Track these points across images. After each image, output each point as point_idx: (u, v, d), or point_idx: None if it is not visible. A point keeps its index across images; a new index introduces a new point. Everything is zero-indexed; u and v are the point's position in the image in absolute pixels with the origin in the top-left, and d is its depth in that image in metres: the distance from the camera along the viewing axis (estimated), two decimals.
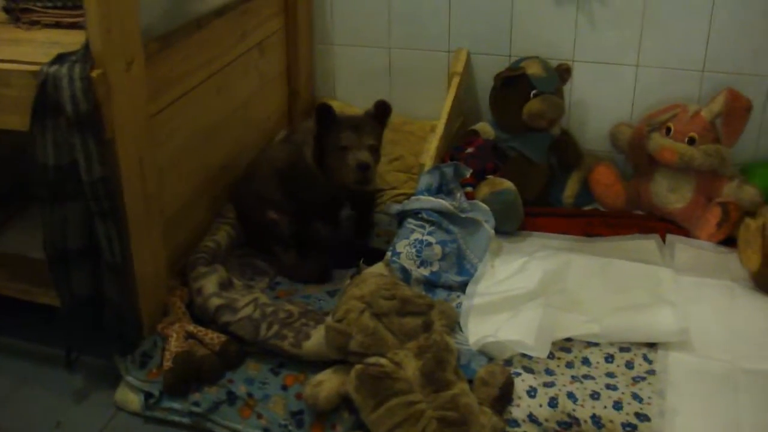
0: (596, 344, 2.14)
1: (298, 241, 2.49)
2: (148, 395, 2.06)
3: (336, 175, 2.34)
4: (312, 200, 2.44)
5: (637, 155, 2.74)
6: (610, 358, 2.10)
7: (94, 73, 1.89)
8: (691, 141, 2.60)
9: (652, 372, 2.04)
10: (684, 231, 2.62)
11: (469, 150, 2.72)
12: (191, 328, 2.15)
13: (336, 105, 3.12)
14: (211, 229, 2.48)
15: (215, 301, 2.19)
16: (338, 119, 2.34)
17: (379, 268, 2.18)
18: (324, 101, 2.36)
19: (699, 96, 2.76)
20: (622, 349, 2.12)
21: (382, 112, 2.40)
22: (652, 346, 2.12)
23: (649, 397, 1.97)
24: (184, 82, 2.28)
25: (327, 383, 1.94)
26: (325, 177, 2.38)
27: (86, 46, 1.90)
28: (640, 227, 2.63)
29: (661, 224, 2.65)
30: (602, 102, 2.89)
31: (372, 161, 2.32)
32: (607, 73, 2.85)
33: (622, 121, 2.86)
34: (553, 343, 2.12)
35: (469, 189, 2.60)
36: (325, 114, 2.33)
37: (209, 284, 2.24)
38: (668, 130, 2.65)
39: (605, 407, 1.94)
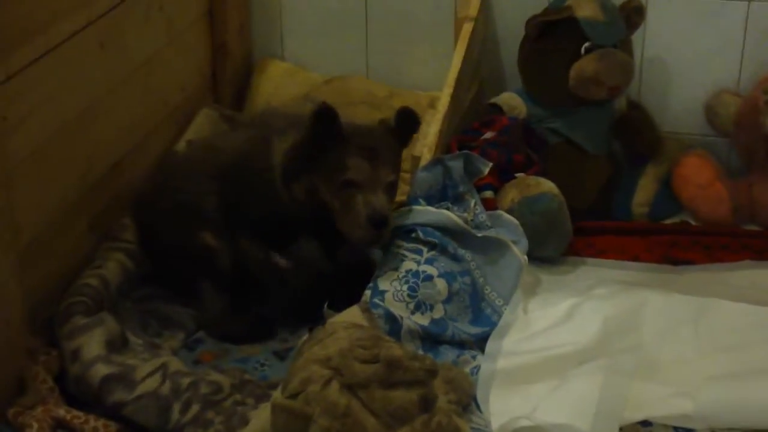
0: (689, 431, 2.13)
1: (238, 278, 2.51)
2: None
3: (333, 217, 2.35)
4: (258, 219, 2.46)
5: (748, 139, 2.76)
6: None
7: None
8: None
9: None
10: None
11: (489, 134, 2.72)
12: (62, 413, 2.13)
13: (283, 68, 3.15)
14: (96, 259, 2.47)
15: (101, 370, 2.18)
16: (346, 133, 2.34)
17: (352, 315, 2.17)
18: (326, 103, 2.35)
19: None
20: None
21: (406, 126, 2.41)
22: None
23: None
24: (49, 32, 2.27)
25: None
26: (289, 194, 2.39)
27: None
28: (754, 250, 2.65)
29: None
30: (693, 58, 2.91)
31: (390, 213, 2.35)
32: (701, 13, 2.87)
33: (725, 87, 2.88)
34: (622, 429, 2.12)
35: (488, 193, 2.61)
36: (327, 122, 2.32)
37: (92, 343, 2.23)
38: None
39: None
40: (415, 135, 2.46)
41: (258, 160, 2.44)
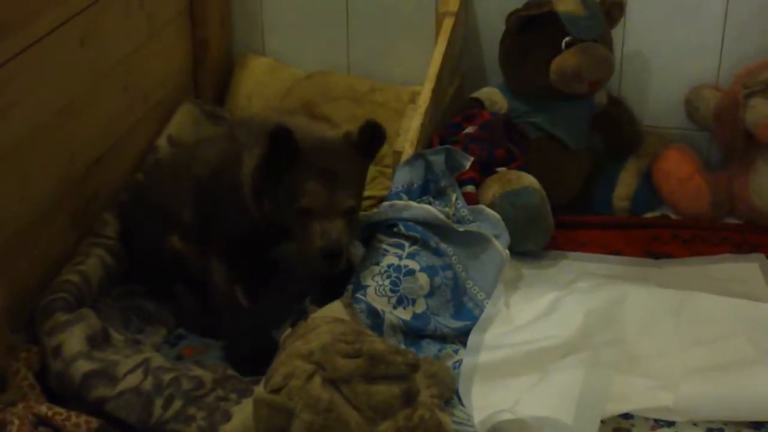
0: (670, 423, 2.15)
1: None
2: None
3: (282, 234, 2.33)
4: (230, 238, 2.44)
5: (728, 133, 2.76)
6: None
7: None
8: None
9: None
10: None
11: (470, 129, 2.72)
12: (44, 409, 2.11)
13: (265, 63, 3.14)
14: (77, 255, 2.47)
15: (83, 366, 2.17)
16: (304, 154, 2.28)
17: (335, 309, 2.18)
18: (281, 124, 2.29)
19: None
20: None
21: (370, 140, 2.36)
22: (759, 427, 2.13)
23: None
24: (28, 29, 2.26)
25: None
26: (260, 210, 2.37)
27: None
28: (733, 243, 2.66)
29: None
30: (673, 53, 2.91)
31: (347, 239, 2.30)
32: (680, 8, 2.87)
33: (705, 81, 2.88)
34: (604, 422, 2.12)
35: (470, 188, 2.61)
36: (281, 143, 2.27)
37: (73, 340, 2.22)
38: None
39: None
40: (380, 149, 2.39)
41: (228, 176, 2.42)
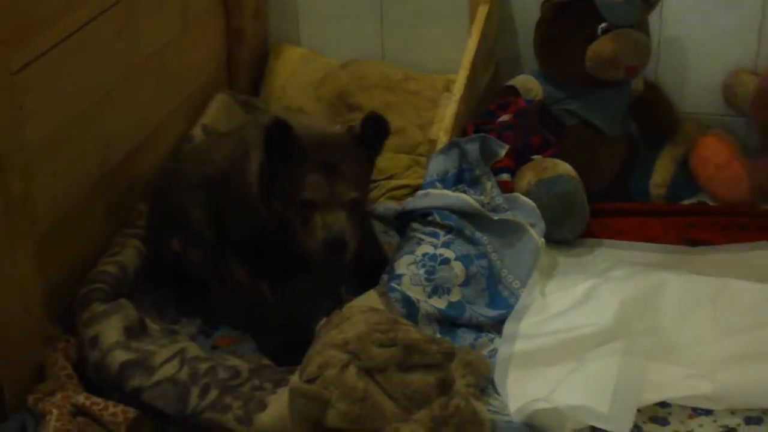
0: (708, 412, 2.14)
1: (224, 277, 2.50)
2: None
3: (294, 234, 2.31)
4: (243, 239, 2.44)
5: (767, 118, 2.76)
6: None
7: None
8: None
9: None
10: None
11: (505, 117, 2.73)
12: (82, 399, 2.13)
13: (299, 53, 3.14)
14: (113, 246, 2.49)
15: (120, 356, 2.19)
16: (304, 147, 2.28)
17: (369, 299, 2.18)
18: (278, 116, 2.30)
19: None
20: (749, 421, 2.12)
21: (373, 133, 2.35)
22: None
23: None
24: (64, 20, 2.27)
25: None
26: (269, 211, 2.36)
27: None
28: None
29: None
30: (710, 38, 2.91)
31: (351, 232, 2.26)
32: None
33: (743, 66, 2.88)
34: (640, 411, 2.12)
35: (505, 176, 2.61)
36: (280, 137, 2.27)
37: (110, 330, 2.24)
38: None
39: None
40: (385, 142, 2.37)
41: (236, 176, 2.43)
